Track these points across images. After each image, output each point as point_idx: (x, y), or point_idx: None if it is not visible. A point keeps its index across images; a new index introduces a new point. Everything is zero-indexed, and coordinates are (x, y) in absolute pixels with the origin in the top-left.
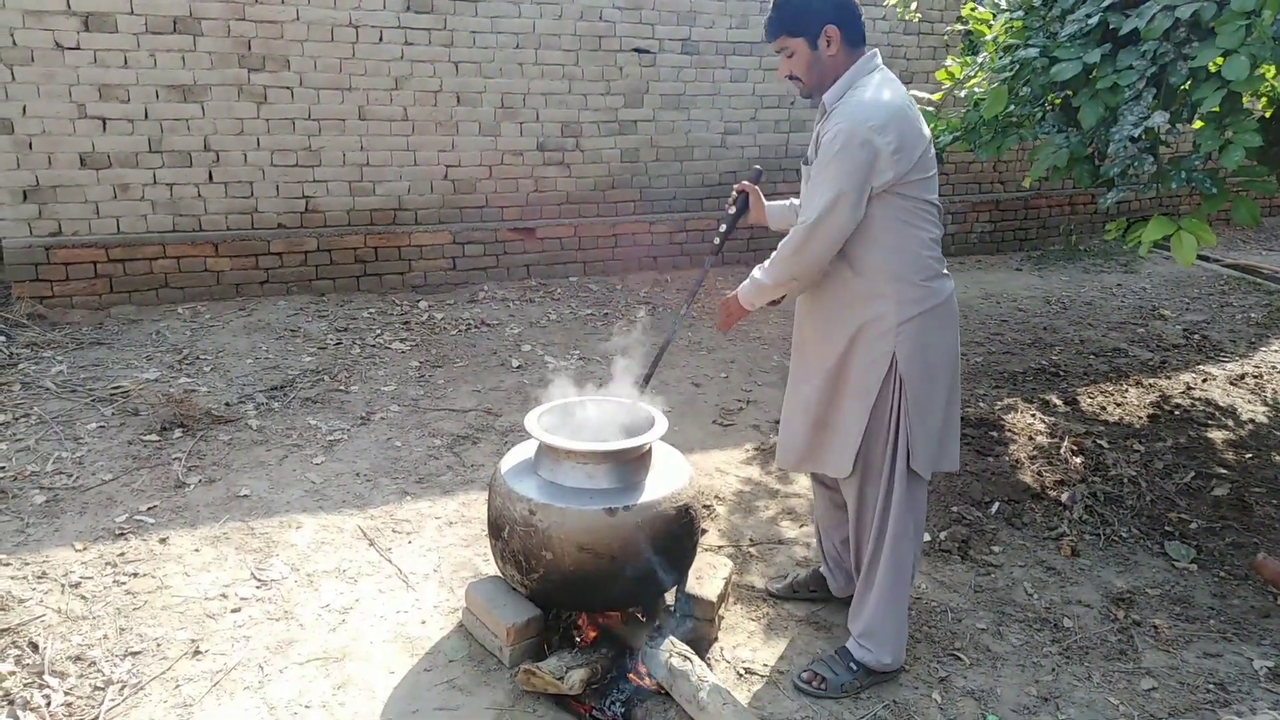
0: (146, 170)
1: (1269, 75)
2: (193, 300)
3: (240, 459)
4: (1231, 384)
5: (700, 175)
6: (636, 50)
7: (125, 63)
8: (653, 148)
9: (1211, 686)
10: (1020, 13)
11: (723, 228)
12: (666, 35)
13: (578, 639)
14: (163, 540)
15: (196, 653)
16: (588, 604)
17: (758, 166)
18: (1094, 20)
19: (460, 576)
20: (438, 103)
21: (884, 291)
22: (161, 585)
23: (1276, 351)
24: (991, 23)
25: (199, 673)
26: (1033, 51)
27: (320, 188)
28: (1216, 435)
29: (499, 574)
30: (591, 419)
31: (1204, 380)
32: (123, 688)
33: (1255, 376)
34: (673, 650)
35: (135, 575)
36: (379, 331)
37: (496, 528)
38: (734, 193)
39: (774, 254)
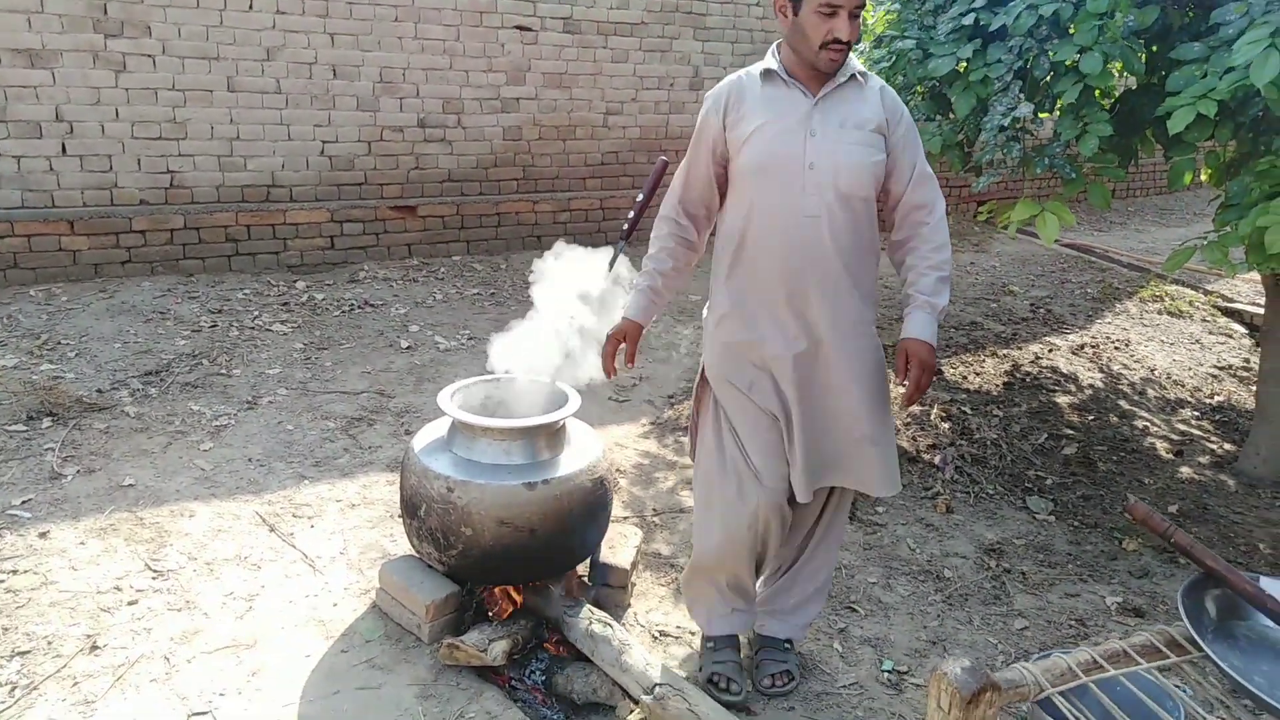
0: None
1: (1118, 70)
2: (46, 281)
3: (120, 447)
4: (1073, 353)
5: (583, 155)
6: (518, 27)
7: None
8: (535, 126)
9: (1073, 623)
10: (897, 5)
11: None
12: (548, 13)
13: (491, 613)
14: (43, 535)
15: (94, 648)
16: (507, 577)
17: (664, 158)
18: (964, 17)
19: (369, 558)
20: (313, 75)
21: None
22: (46, 581)
23: (1110, 323)
24: (871, 13)
25: (99, 668)
26: (909, 43)
27: (186, 162)
28: (1063, 400)
29: (412, 553)
30: (502, 396)
31: (1050, 350)
32: (13, 689)
33: (1093, 346)
34: (592, 617)
35: (15, 572)
36: (257, 313)
37: (412, 506)
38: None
39: (925, 270)
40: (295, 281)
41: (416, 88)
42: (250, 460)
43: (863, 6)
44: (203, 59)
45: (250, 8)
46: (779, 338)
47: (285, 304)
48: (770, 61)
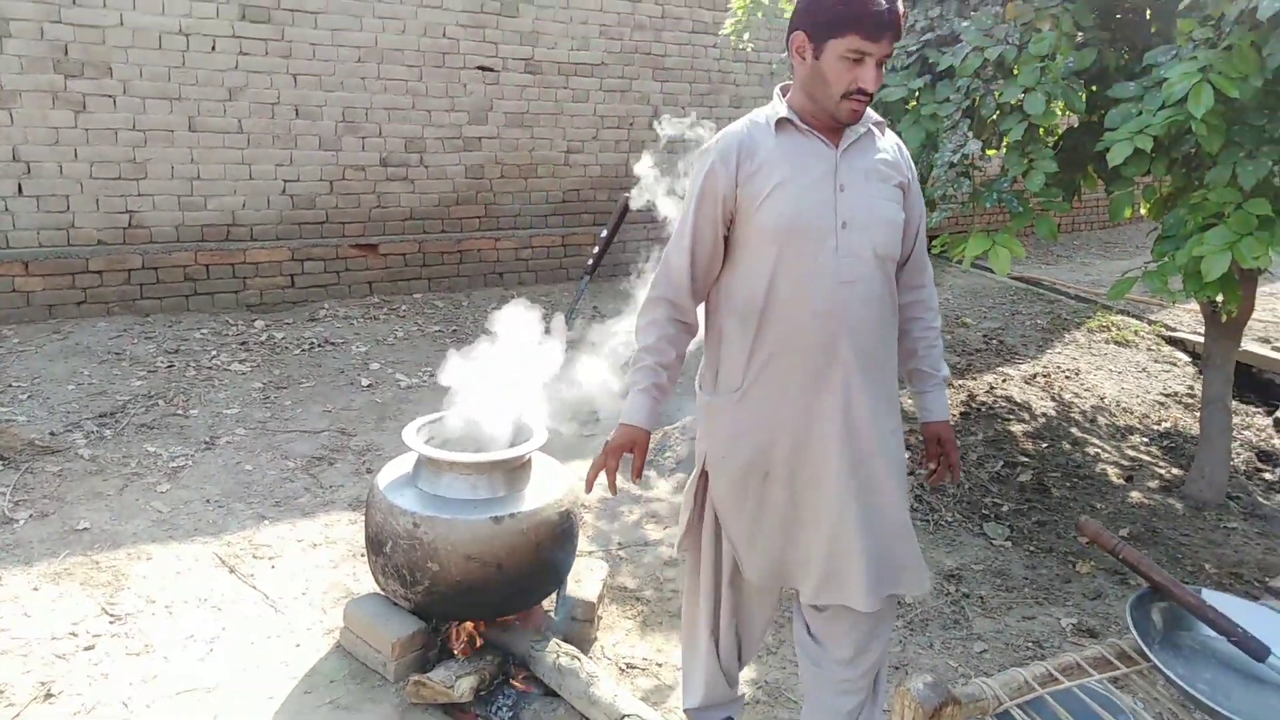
0: None
1: (1060, 109)
2: None
3: (74, 490)
4: (1026, 383)
5: (544, 193)
6: (481, 68)
7: None
8: (497, 165)
9: (1030, 645)
10: None
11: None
12: (510, 54)
13: (458, 649)
14: None
15: (49, 695)
16: (475, 613)
17: (626, 195)
18: (914, 53)
19: (332, 597)
20: (275, 115)
21: None
22: None
23: (1060, 353)
24: None
25: (54, 716)
26: None
27: (146, 202)
28: (1017, 428)
29: (377, 591)
30: (467, 431)
31: (1003, 380)
32: None
33: (1044, 376)
34: (559, 651)
35: None
36: (215, 353)
37: (377, 543)
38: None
39: (934, 340)
40: (254, 320)
41: (379, 127)
42: (209, 501)
43: (890, 55)
44: (164, 99)
45: (213, 49)
46: (817, 419)
47: (244, 343)
48: (780, 107)
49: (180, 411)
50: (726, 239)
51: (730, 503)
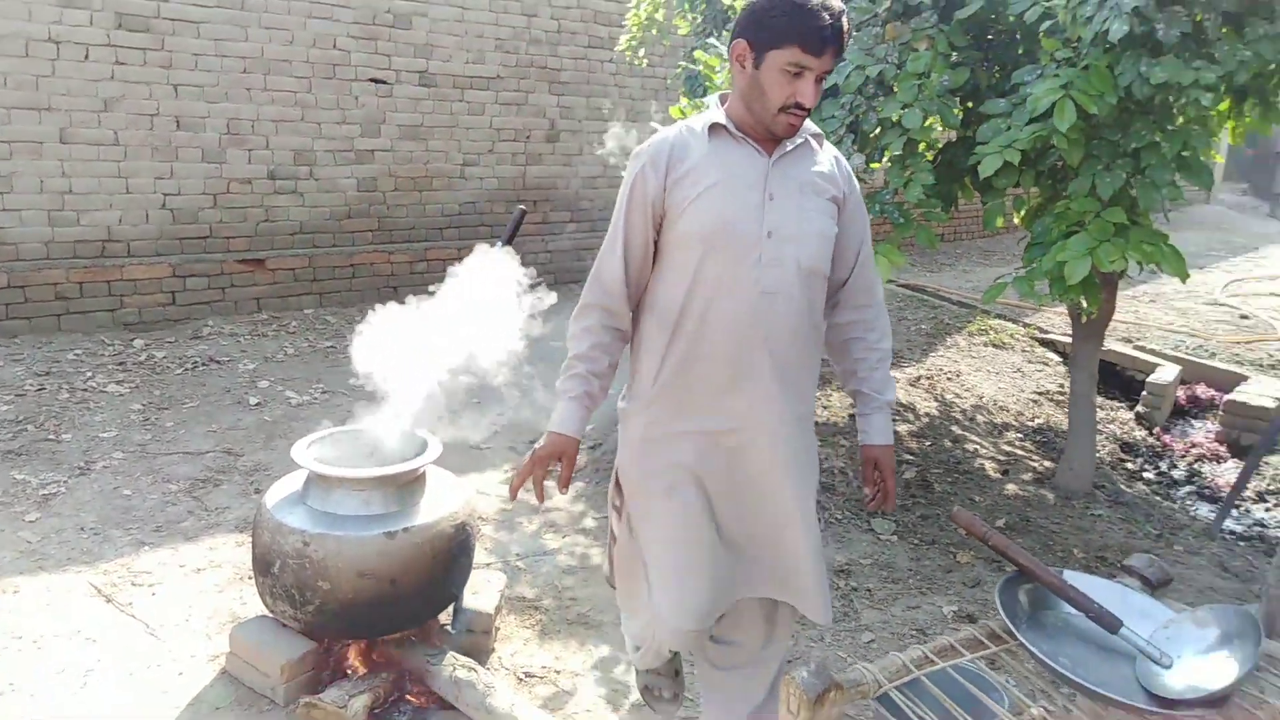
0: None
1: (939, 125)
2: None
3: None
4: (911, 385)
5: (440, 205)
6: (373, 80)
7: None
8: (391, 177)
9: (914, 632)
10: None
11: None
12: (403, 67)
13: (350, 668)
14: None
15: None
16: (368, 630)
17: (522, 206)
18: None
19: (216, 623)
20: (154, 127)
21: None
22: None
23: (942, 356)
24: (718, 67)
25: None
26: None
27: (12, 217)
28: (902, 428)
29: (265, 613)
30: (361, 446)
31: None
32: None
33: (928, 378)
34: (455, 664)
35: None
36: (89, 374)
37: (265, 564)
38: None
39: (876, 363)
40: (133, 340)
41: (266, 139)
42: (83, 529)
43: (830, 71)
44: (32, 109)
45: (86, 58)
46: (728, 431)
47: (121, 363)
48: (716, 114)
49: (52, 436)
50: (656, 243)
51: (642, 516)
